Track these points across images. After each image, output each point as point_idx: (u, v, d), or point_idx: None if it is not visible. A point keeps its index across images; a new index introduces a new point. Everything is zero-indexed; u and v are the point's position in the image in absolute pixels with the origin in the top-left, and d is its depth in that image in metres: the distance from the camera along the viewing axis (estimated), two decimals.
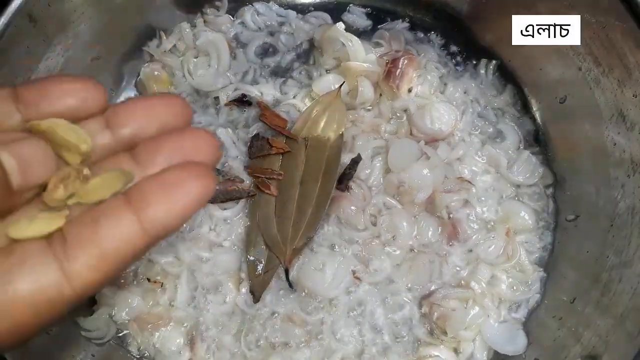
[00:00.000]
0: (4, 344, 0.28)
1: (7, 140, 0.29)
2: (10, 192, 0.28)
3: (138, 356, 0.69)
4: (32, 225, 0.29)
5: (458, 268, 0.70)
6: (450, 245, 0.71)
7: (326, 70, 0.80)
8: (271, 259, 0.68)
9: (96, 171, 0.32)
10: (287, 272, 0.67)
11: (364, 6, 0.86)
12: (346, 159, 0.73)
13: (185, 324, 0.69)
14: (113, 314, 0.68)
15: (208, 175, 0.31)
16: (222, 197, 0.71)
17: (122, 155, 0.33)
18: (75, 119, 0.32)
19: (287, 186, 0.70)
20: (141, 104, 0.34)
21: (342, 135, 0.73)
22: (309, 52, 0.83)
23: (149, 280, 0.69)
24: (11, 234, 0.29)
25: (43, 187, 0.30)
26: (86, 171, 0.31)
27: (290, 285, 0.68)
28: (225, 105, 0.78)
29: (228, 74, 0.81)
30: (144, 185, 0.30)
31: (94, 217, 0.29)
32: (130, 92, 0.82)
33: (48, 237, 0.29)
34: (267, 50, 0.84)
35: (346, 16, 0.85)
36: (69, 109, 0.32)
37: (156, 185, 0.30)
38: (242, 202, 0.71)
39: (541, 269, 0.72)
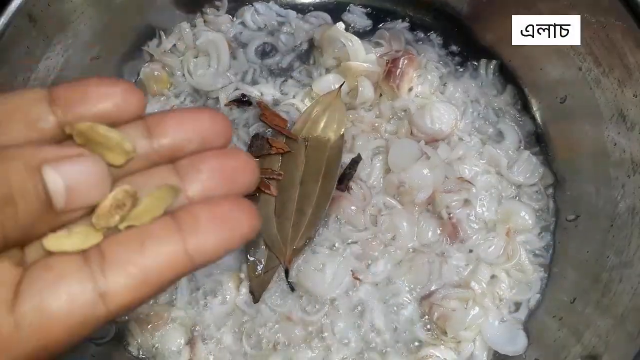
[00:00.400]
0: None
1: (60, 156, 0.27)
2: (51, 215, 0.27)
3: (138, 356, 0.68)
4: (70, 239, 0.28)
5: (458, 268, 0.70)
6: (450, 245, 0.71)
7: (326, 70, 0.80)
8: (271, 259, 0.68)
9: (138, 182, 0.30)
10: (287, 272, 0.67)
11: (364, 6, 0.86)
12: (346, 159, 0.73)
13: (185, 324, 0.69)
14: None
15: (256, 216, 0.30)
16: None
17: (164, 167, 0.32)
18: (113, 123, 0.30)
19: (287, 186, 0.70)
20: (186, 115, 0.33)
21: (342, 135, 0.73)
22: (309, 52, 0.83)
23: None
24: (46, 245, 0.28)
25: (91, 209, 0.29)
26: (137, 194, 0.30)
27: (291, 285, 0.68)
28: (225, 105, 0.78)
29: (228, 74, 0.81)
30: (196, 211, 0.29)
31: (140, 237, 0.28)
32: None
33: (84, 253, 0.28)
34: (267, 50, 0.84)
35: (346, 16, 0.85)
36: (106, 113, 0.30)
37: (209, 214, 0.29)
38: None
39: (541, 269, 0.72)
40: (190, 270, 0.29)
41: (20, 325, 0.25)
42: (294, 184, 0.70)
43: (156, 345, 0.68)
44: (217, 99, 0.79)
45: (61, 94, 0.30)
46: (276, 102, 0.79)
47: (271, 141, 0.72)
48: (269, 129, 0.75)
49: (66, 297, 0.26)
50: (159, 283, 0.28)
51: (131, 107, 0.31)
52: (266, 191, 0.69)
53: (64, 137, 0.30)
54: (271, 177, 0.70)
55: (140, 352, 0.68)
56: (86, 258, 0.28)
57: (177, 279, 0.29)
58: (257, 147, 0.73)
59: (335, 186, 0.70)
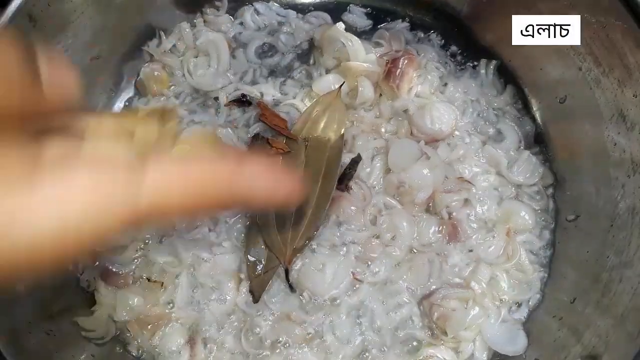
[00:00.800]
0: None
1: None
2: (39, 94, 0.29)
3: (138, 356, 0.68)
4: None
5: (458, 268, 0.70)
6: (450, 245, 0.71)
7: (326, 70, 0.80)
8: (271, 259, 0.68)
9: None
10: (287, 272, 0.67)
11: (364, 6, 0.86)
12: (346, 159, 0.73)
13: (185, 324, 0.69)
14: (113, 314, 0.68)
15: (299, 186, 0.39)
16: None
17: None
18: None
19: None
20: None
21: (342, 136, 0.73)
22: (309, 52, 0.83)
23: (149, 280, 0.69)
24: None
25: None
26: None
27: (291, 286, 0.68)
28: (225, 105, 0.78)
29: (228, 74, 0.81)
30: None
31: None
32: (130, 92, 0.82)
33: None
34: (267, 50, 0.84)
35: (346, 16, 0.85)
36: None
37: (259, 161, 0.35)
38: None
39: (541, 269, 0.72)
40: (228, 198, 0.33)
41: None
42: None
43: (156, 345, 0.68)
44: (217, 99, 0.79)
45: None
46: (276, 102, 0.79)
47: (271, 141, 0.72)
48: (269, 129, 0.75)
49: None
50: (195, 192, 0.31)
51: None
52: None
53: None
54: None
55: (140, 352, 0.68)
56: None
57: (211, 202, 0.32)
58: (257, 147, 0.73)
59: (335, 186, 0.70)
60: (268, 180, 0.35)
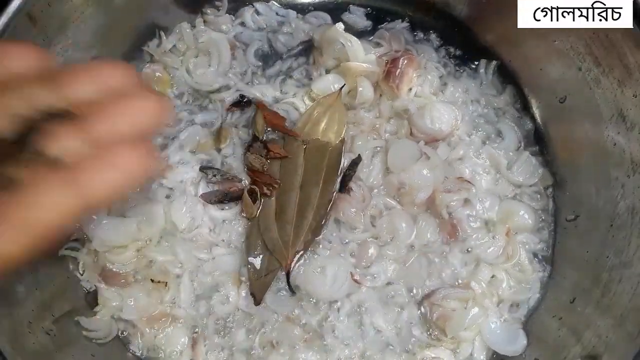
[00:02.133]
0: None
1: None
2: None
3: (139, 356, 0.69)
4: None
5: (458, 268, 0.70)
6: (450, 246, 0.71)
7: (326, 71, 0.80)
8: (272, 262, 0.68)
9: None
10: (288, 275, 0.67)
11: (364, 6, 0.86)
12: (346, 159, 0.73)
13: (187, 325, 0.69)
14: (116, 314, 0.68)
15: (150, 157, 0.33)
16: (221, 198, 0.71)
17: (68, 121, 0.33)
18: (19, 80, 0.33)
19: (287, 190, 0.70)
20: (83, 70, 0.35)
21: (343, 140, 0.73)
22: (309, 52, 0.83)
23: (152, 280, 0.69)
24: None
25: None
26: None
27: (291, 289, 0.68)
28: (227, 110, 0.78)
29: (229, 74, 0.81)
30: (88, 159, 0.32)
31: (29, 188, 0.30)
32: None
33: None
34: (267, 51, 0.84)
35: (346, 16, 0.85)
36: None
37: (98, 160, 0.32)
38: (241, 202, 0.71)
39: (541, 269, 0.72)
40: (87, 209, 0.32)
41: None
42: (294, 188, 0.70)
43: (158, 345, 0.68)
44: (218, 101, 0.79)
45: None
46: (276, 101, 0.79)
47: (269, 146, 0.72)
48: (269, 128, 0.75)
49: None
50: (48, 230, 0.31)
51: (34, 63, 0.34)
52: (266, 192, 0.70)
53: None
54: (269, 183, 0.70)
55: (143, 352, 0.68)
56: None
57: (71, 221, 0.31)
58: (256, 150, 0.73)
59: (336, 190, 0.70)
60: (112, 177, 0.32)
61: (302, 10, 0.86)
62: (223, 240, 0.71)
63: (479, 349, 0.68)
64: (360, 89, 0.75)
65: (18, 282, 0.61)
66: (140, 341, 0.68)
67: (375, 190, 0.73)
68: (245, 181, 0.72)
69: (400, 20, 0.85)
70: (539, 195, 0.75)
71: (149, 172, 0.33)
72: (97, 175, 0.31)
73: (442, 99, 0.78)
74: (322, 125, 0.74)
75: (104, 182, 0.32)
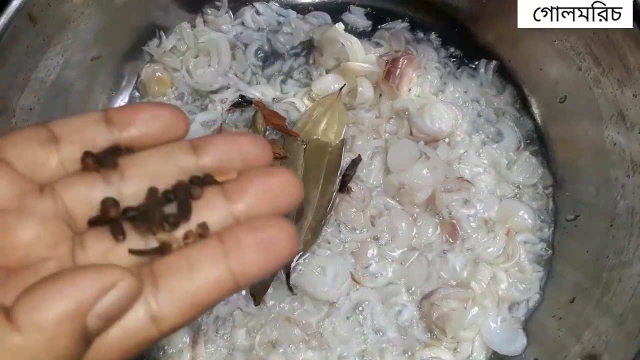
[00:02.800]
0: None
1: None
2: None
3: (140, 356, 0.68)
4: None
5: (458, 268, 0.70)
6: (449, 245, 0.71)
7: (326, 71, 0.80)
8: None
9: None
10: (288, 276, 0.67)
11: (364, 6, 0.86)
12: (346, 159, 0.73)
13: (190, 324, 0.69)
14: None
15: (296, 239, 0.31)
16: None
17: (213, 187, 0.33)
18: (160, 142, 0.33)
19: None
20: (227, 137, 0.35)
21: (343, 140, 0.73)
22: (309, 52, 0.83)
23: None
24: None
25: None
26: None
27: (291, 290, 0.68)
28: (227, 111, 0.78)
29: (229, 74, 0.81)
30: (241, 235, 0.30)
31: (189, 261, 0.29)
32: (131, 92, 0.82)
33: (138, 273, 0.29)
34: (267, 51, 0.84)
35: (346, 16, 0.85)
36: (155, 133, 0.33)
37: (253, 238, 0.30)
38: None
39: (541, 269, 0.72)
40: (235, 291, 0.30)
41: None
42: None
43: (158, 345, 0.68)
44: (218, 101, 0.79)
45: (115, 116, 0.32)
46: (276, 100, 0.79)
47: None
48: (268, 128, 0.75)
49: (121, 324, 0.27)
50: (206, 305, 0.29)
51: (177, 127, 0.33)
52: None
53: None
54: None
55: (142, 352, 0.68)
56: (140, 279, 0.28)
57: (222, 300, 0.30)
58: None
59: (336, 190, 0.70)
60: (269, 258, 0.30)
61: (302, 10, 0.86)
62: None
63: (479, 349, 0.68)
64: (360, 89, 0.75)
65: None
66: None
67: (375, 190, 0.73)
68: None
69: (400, 20, 0.85)
70: (538, 195, 0.75)
71: (294, 254, 0.32)
72: (249, 251, 0.29)
73: (442, 98, 0.78)
74: (322, 125, 0.74)
75: (256, 260, 0.30)
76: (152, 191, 0.31)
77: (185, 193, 0.31)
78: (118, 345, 0.27)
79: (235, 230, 0.30)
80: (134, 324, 0.27)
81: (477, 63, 0.82)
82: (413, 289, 0.70)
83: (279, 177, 0.33)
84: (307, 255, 0.69)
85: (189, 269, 0.29)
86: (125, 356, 0.28)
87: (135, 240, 0.30)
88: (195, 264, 0.29)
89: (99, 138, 0.32)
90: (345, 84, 0.76)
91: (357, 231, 0.71)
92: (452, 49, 0.84)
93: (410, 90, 0.77)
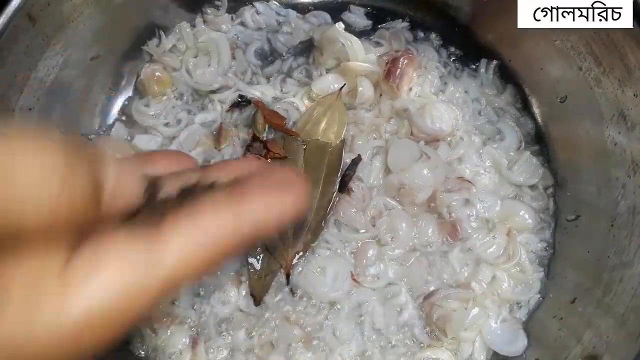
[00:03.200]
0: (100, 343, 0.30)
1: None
2: (97, 211, 0.29)
3: (139, 356, 0.68)
4: None
5: (458, 268, 0.70)
6: (450, 246, 0.71)
7: (326, 70, 0.80)
8: (272, 263, 0.68)
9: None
10: (288, 277, 0.67)
11: (364, 6, 0.86)
12: (346, 159, 0.73)
13: (188, 325, 0.68)
14: None
15: (306, 192, 0.35)
16: None
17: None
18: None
19: None
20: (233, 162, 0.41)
21: (343, 141, 0.73)
22: (309, 52, 0.83)
23: None
24: None
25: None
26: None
27: (292, 290, 0.67)
28: (227, 112, 0.78)
29: (229, 74, 0.81)
30: (248, 182, 0.34)
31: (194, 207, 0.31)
32: (130, 92, 0.82)
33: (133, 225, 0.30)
34: (266, 50, 0.84)
35: (346, 16, 0.85)
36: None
37: (257, 187, 0.33)
38: None
39: (542, 269, 0.72)
40: (241, 241, 0.32)
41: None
42: None
43: (158, 345, 0.68)
44: (218, 101, 0.79)
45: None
46: (275, 101, 0.79)
47: (269, 146, 0.72)
48: (268, 128, 0.75)
49: (117, 264, 0.28)
50: (212, 252, 0.30)
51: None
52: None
53: None
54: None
55: (143, 352, 0.68)
56: (137, 227, 0.30)
57: (230, 251, 0.31)
58: (256, 150, 0.73)
59: (336, 190, 0.70)
60: (275, 204, 0.33)
61: (302, 9, 0.86)
62: None
63: (479, 350, 0.68)
64: (360, 88, 0.75)
65: None
66: (140, 341, 0.68)
67: (375, 190, 0.73)
68: None
69: (400, 19, 0.85)
70: (539, 195, 0.75)
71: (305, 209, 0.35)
72: (262, 200, 0.32)
73: (442, 98, 0.78)
74: (322, 125, 0.74)
75: (269, 207, 0.32)
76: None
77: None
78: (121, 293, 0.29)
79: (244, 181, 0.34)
80: (133, 265, 0.29)
81: (477, 63, 0.82)
82: (413, 289, 0.69)
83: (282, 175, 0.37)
84: (307, 255, 0.69)
85: (193, 212, 0.31)
86: (128, 311, 0.30)
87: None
88: (200, 208, 0.31)
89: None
90: (345, 84, 0.76)
91: (357, 231, 0.70)
92: (452, 49, 0.84)
93: (410, 90, 0.77)
